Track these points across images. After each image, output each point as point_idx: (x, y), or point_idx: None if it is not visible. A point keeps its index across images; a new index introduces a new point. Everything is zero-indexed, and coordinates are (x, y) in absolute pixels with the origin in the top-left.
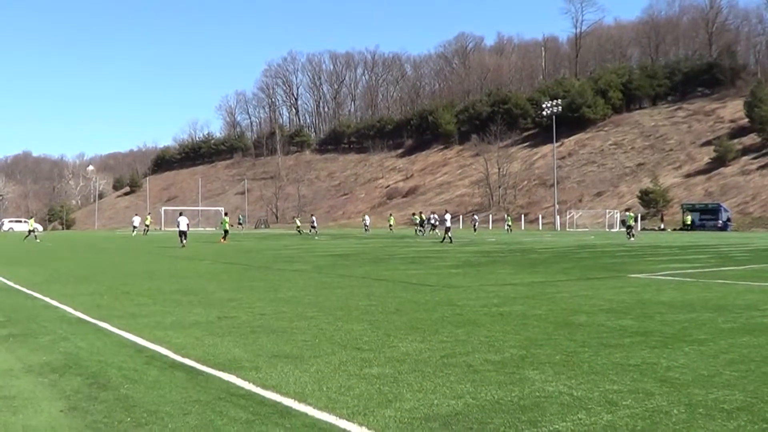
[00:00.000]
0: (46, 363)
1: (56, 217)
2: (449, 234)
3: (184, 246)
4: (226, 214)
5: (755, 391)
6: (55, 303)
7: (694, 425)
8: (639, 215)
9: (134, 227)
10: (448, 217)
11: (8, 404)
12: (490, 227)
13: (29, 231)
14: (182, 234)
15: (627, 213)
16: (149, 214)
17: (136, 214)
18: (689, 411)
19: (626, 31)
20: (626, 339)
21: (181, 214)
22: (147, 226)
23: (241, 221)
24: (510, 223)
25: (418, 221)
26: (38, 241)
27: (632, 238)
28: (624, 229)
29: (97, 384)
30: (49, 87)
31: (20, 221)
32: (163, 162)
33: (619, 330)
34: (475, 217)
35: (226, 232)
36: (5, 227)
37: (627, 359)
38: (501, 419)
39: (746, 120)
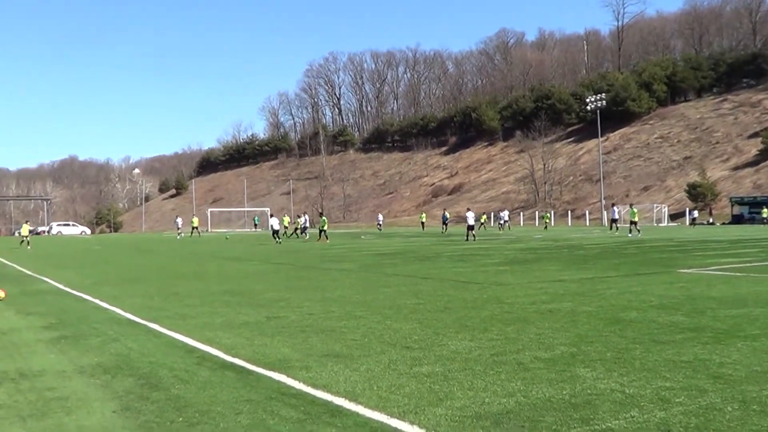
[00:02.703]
0: (98, 364)
1: (104, 220)
2: (473, 233)
3: (279, 243)
4: (321, 214)
5: None
6: (105, 305)
7: (748, 422)
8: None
9: (179, 229)
10: (470, 215)
11: (62, 405)
12: (536, 224)
13: (23, 238)
14: (275, 233)
15: (630, 207)
16: (194, 215)
17: (178, 216)
18: (743, 408)
19: (669, 22)
20: (678, 335)
21: (271, 216)
22: (195, 228)
23: (257, 222)
24: (547, 220)
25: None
26: (29, 248)
27: (638, 233)
28: (626, 225)
29: (149, 384)
30: (95, 91)
31: (68, 225)
32: (208, 164)
33: (671, 326)
34: (501, 214)
35: (322, 231)
36: (54, 231)
37: (679, 356)
38: (552, 417)
39: None
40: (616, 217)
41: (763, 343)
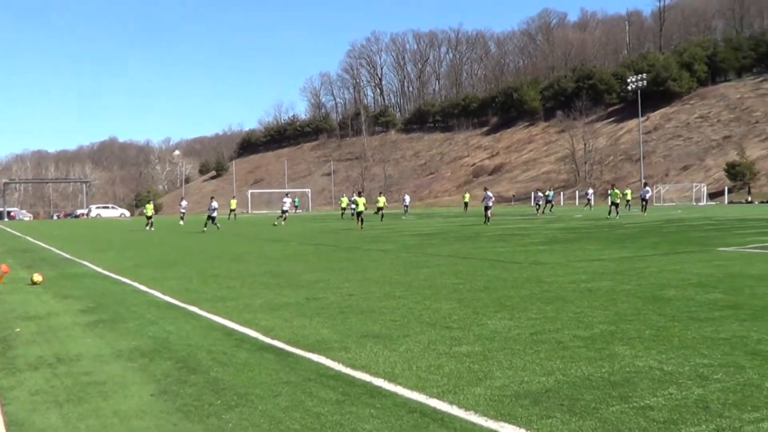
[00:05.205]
0: (136, 348)
1: (144, 202)
2: (488, 213)
3: (363, 229)
4: (360, 194)
5: None
6: (143, 288)
7: None
8: (628, 192)
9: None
10: (489, 194)
11: (99, 389)
12: (576, 203)
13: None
14: (359, 214)
15: (611, 188)
16: (233, 197)
17: (212, 198)
18: None
19: (710, 3)
20: (716, 312)
21: (360, 194)
22: (232, 210)
23: (297, 204)
24: (590, 197)
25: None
26: (151, 228)
27: (617, 217)
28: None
29: (187, 368)
30: (135, 72)
31: (108, 207)
32: (249, 145)
33: (709, 304)
34: (540, 194)
35: (359, 213)
36: (93, 213)
37: (717, 333)
38: (592, 395)
39: None
40: (647, 197)
41: None
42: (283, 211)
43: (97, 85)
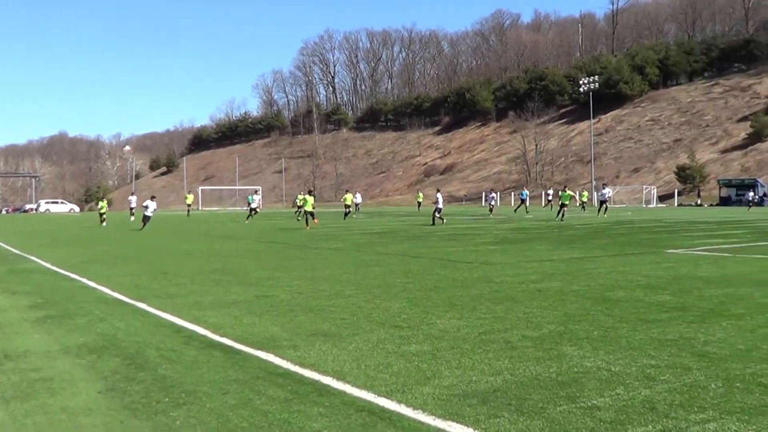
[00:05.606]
0: (84, 344)
1: (93, 198)
2: (439, 215)
3: (310, 228)
4: (311, 192)
5: None
6: (92, 284)
7: (732, 399)
8: (581, 193)
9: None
10: (439, 196)
11: (46, 386)
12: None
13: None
14: (357, 206)
15: (562, 191)
16: (190, 193)
17: (132, 194)
18: (727, 385)
19: (663, 7)
20: (664, 314)
21: (311, 192)
22: (189, 205)
23: (250, 201)
24: (551, 199)
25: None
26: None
27: (561, 219)
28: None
29: (135, 365)
30: (86, 67)
31: (57, 202)
32: (200, 141)
33: (657, 305)
34: (492, 195)
35: (307, 213)
36: (42, 209)
37: (665, 334)
38: (540, 395)
39: None
40: (605, 198)
41: (748, 322)
42: (252, 209)
43: (48, 79)
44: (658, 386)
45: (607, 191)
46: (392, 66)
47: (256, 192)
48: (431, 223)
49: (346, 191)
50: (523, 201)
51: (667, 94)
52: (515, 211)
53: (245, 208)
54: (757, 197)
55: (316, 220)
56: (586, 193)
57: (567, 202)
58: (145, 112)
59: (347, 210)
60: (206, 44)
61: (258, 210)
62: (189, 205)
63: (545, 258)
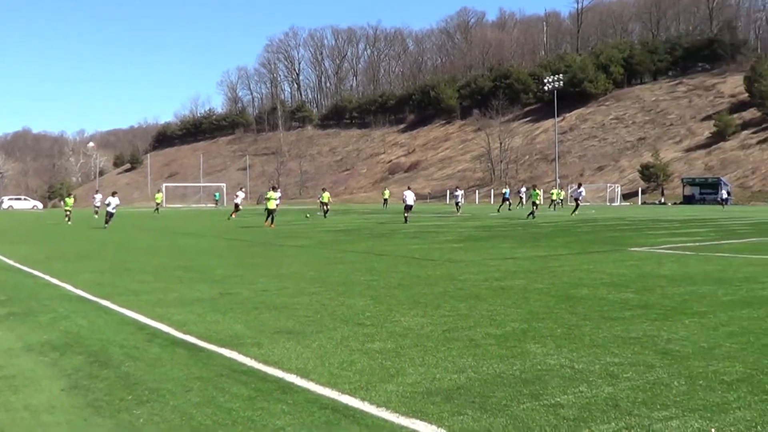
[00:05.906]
0: (47, 341)
1: (56, 194)
2: (406, 214)
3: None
4: (275, 189)
5: (755, 363)
6: (55, 281)
7: (695, 397)
8: (556, 191)
9: (96, 206)
10: (407, 194)
11: (9, 383)
12: (491, 202)
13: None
14: (270, 212)
15: (532, 189)
16: (159, 191)
17: (97, 191)
18: (689, 383)
19: (627, 6)
20: (627, 312)
21: (275, 189)
22: (158, 204)
23: (217, 198)
24: (522, 195)
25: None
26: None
27: (533, 217)
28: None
29: (98, 362)
30: (49, 63)
31: (20, 199)
32: (164, 138)
33: (620, 303)
34: (457, 192)
35: (270, 212)
36: (5, 205)
37: (628, 332)
38: (503, 392)
39: (746, 95)
40: (580, 198)
41: (710, 320)
42: (236, 205)
43: (11, 74)
44: (621, 384)
45: (582, 191)
46: (357, 63)
47: (241, 188)
48: (404, 221)
49: (323, 190)
50: (506, 199)
51: (631, 92)
52: (498, 210)
53: (210, 205)
54: (725, 196)
55: (272, 225)
56: (561, 192)
57: (538, 201)
58: (109, 108)
59: (326, 208)
60: (171, 40)
61: (241, 208)
62: (158, 204)
63: (509, 256)
